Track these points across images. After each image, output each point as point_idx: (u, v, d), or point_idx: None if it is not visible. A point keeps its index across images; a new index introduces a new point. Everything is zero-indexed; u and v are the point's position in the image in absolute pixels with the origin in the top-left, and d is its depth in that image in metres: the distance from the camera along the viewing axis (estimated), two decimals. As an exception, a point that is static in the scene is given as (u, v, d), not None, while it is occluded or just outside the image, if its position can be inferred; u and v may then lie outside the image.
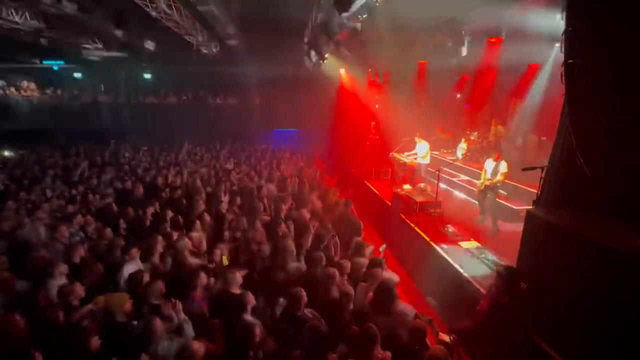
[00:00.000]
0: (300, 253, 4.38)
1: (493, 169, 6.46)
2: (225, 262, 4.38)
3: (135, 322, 3.05)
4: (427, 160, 8.76)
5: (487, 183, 6.52)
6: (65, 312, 3.03)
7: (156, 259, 4.15)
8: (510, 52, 8.54)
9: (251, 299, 3.21)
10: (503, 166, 6.36)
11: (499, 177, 6.37)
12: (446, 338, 2.98)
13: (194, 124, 15.40)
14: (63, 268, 3.64)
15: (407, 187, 8.37)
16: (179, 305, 3.09)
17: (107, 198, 6.79)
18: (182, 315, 3.09)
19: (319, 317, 3.21)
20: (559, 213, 3.55)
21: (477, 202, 7.17)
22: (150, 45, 11.72)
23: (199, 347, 2.58)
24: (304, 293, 3.23)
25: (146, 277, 3.50)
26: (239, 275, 3.55)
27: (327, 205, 6.70)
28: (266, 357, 2.75)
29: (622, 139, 2.96)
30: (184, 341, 2.75)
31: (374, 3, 6.55)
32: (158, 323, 2.81)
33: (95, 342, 2.63)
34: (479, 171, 8.87)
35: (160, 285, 3.32)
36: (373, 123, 13.21)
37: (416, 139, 8.86)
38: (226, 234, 5.01)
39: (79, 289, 3.24)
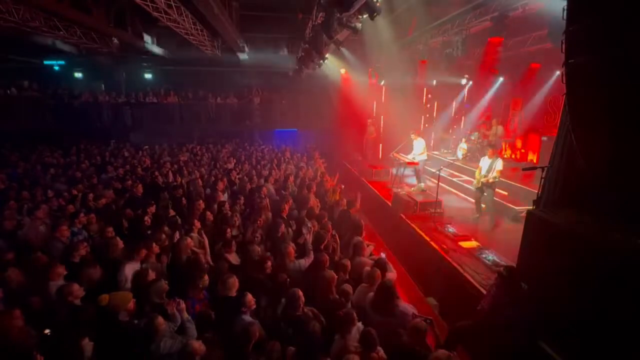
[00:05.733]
0: (299, 253, 4.39)
1: (489, 166, 6.48)
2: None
3: (136, 321, 3.04)
4: (424, 157, 8.81)
5: (483, 180, 6.54)
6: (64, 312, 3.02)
7: (156, 258, 4.15)
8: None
9: (250, 300, 3.20)
10: (499, 163, 6.37)
11: (494, 174, 6.39)
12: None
13: (195, 123, 15.40)
14: (60, 269, 3.61)
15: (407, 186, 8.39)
16: (183, 305, 3.09)
17: (107, 198, 6.77)
18: (186, 315, 3.10)
19: (319, 316, 3.21)
20: (559, 213, 3.55)
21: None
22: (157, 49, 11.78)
23: (199, 346, 2.57)
24: (300, 293, 3.22)
25: (151, 276, 3.50)
26: (235, 280, 3.49)
27: (328, 205, 6.70)
28: (265, 356, 2.75)
29: (622, 138, 2.96)
30: (186, 341, 2.74)
31: (375, 2, 6.53)
32: (161, 321, 2.81)
33: (87, 344, 2.57)
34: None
35: (163, 285, 3.32)
36: (370, 120, 13.23)
37: (412, 135, 8.91)
38: (228, 233, 5.01)
39: (78, 289, 3.21)
